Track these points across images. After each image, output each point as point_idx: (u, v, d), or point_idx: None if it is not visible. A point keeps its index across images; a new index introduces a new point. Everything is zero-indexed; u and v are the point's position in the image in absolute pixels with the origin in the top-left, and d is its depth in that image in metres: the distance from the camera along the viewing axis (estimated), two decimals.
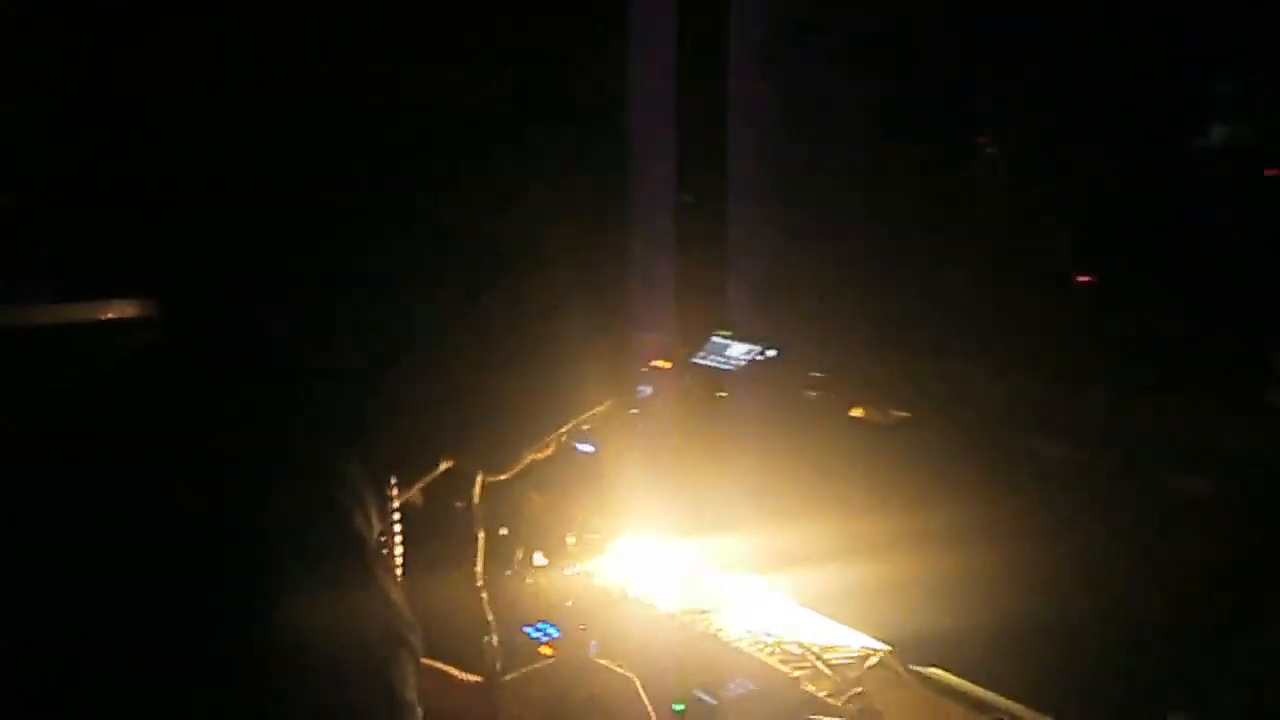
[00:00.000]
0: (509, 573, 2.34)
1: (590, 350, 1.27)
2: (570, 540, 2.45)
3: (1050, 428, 2.35)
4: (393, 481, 1.22)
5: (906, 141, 2.82)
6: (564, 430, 1.33)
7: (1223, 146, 2.86)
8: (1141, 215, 2.58)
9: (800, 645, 2.12)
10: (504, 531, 2.51)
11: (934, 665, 1.95)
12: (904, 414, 2.47)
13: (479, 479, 1.42)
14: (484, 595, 1.52)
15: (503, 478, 1.36)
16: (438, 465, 1.30)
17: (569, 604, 2.29)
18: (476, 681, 1.61)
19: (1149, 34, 2.67)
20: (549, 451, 1.36)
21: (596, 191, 1.33)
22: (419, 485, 1.29)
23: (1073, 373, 2.36)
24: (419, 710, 1.09)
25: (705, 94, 2.45)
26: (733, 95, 2.45)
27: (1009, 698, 1.81)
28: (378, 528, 1.19)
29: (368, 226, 1.21)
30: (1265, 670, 1.80)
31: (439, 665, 1.58)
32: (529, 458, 1.33)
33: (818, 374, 2.62)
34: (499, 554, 2.39)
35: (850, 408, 2.54)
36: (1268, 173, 2.65)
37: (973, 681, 1.88)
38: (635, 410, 2.53)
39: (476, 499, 1.44)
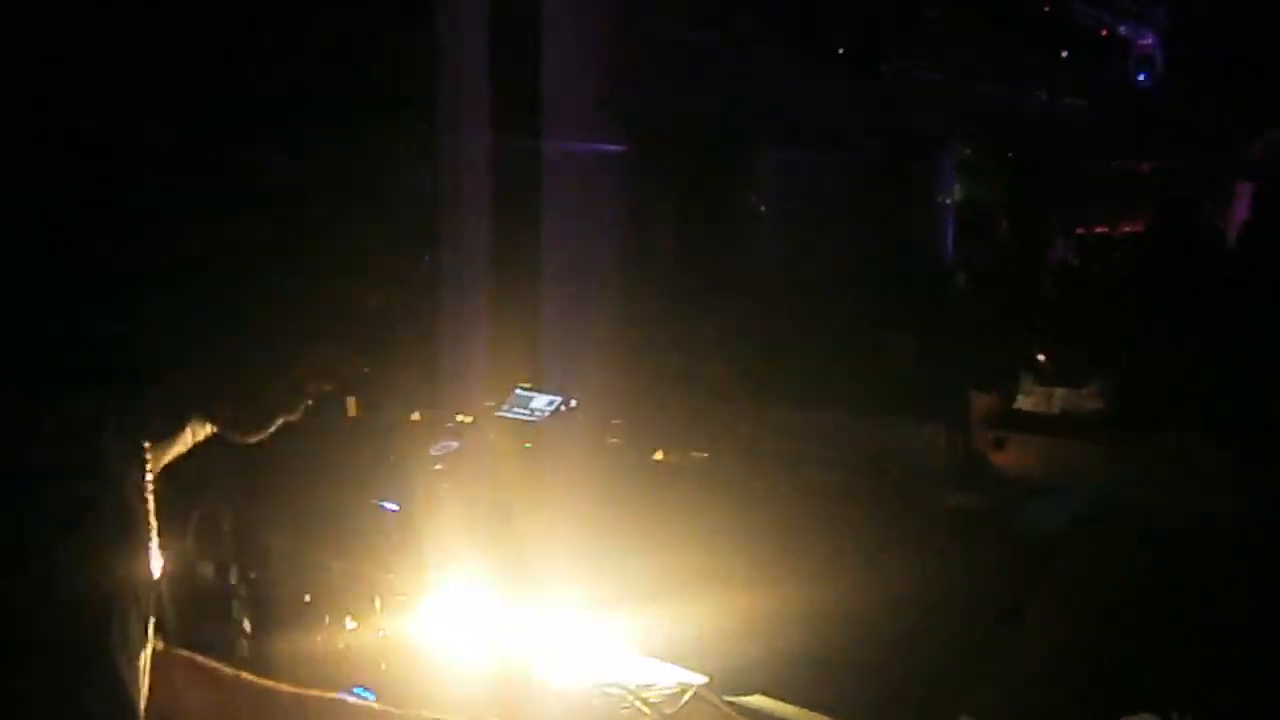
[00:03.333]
0: (318, 639, 2.27)
1: (343, 309, 1.28)
2: (377, 602, 2.41)
3: (832, 458, 2.51)
4: (145, 446, 1.21)
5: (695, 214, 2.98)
6: (314, 389, 1.33)
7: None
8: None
9: (618, 685, 2.16)
10: (308, 598, 2.44)
11: (751, 693, 2.03)
12: (702, 454, 2.57)
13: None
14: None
15: (254, 439, 1.34)
16: (185, 427, 1.29)
17: (383, 667, 2.24)
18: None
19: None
20: (298, 415, 1.35)
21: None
22: (174, 451, 1.27)
23: (850, 404, 2.55)
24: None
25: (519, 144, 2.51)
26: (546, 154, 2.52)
27: (824, 715, 1.91)
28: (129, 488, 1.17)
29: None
30: (1034, 670, 1.98)
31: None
32: (280, 418, 1.32)
33: (618, 421, 2.70)
34: (306, 621, 2.32)
35: (652, 451, 2.62)
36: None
37: (790, 704, 1.97)
38: (440, 466, 2.52)
39: None
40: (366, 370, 1.47)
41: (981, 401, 2.76)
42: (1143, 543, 1.88)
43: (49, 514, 1.06)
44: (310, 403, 1.33)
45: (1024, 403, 3.86)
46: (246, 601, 2.47)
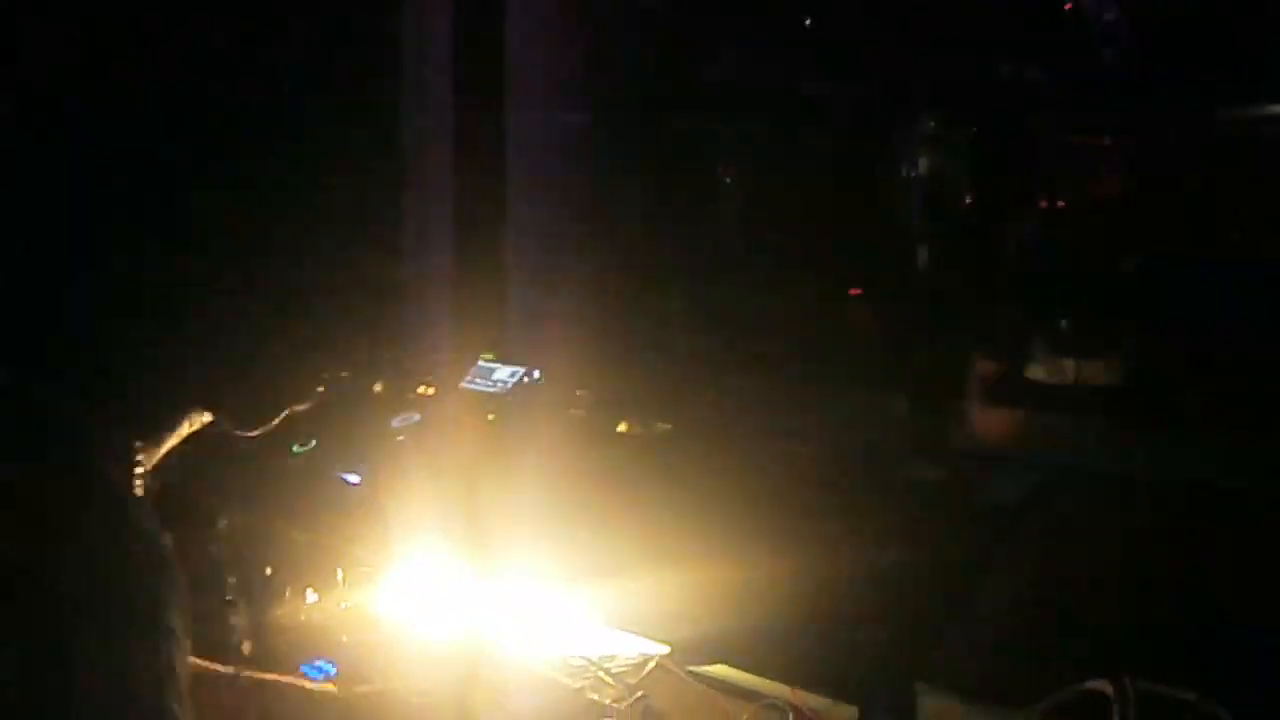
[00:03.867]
0: (279, 611, 2.26)
1: (353, 302, 1.26)
2: (340, 574, 2.40)
3: (796, 428, 2.53)
4: (137, 445, 1.19)
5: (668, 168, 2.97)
6: (325, 381, 1.31)
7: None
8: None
9: (581, 656, 2.17)
10: (269, 571, 2.43)
11: (713, 663, 2.05)
12: (666, 426, 2.58)
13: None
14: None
15: (257, 433, 1.31)
16: (183, 421, 1.25)
17: (344, 639, 2.24)
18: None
19: None
20: (308, 404, 1.33)
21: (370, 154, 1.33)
22: (169, 443, 1.24)
23: (820, 376, 2.56)
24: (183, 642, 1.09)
25: (484, 117, 2.49)
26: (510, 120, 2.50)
27: (785, 683, 1.93)
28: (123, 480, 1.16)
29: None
30: (990, 637, 2.01)
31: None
32: (288, 409, 1.30)
33: (581, 392, 2.69)
34: (268, 593, 2.31)
35: (615, 424, 2.62)
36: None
37: (749, 673, 2.00)
38: (403, 438, 2.51)
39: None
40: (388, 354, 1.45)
41: (982, 369, 2.74)
42: (1110, 511, 1.91)
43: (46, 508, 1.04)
44: (323, 390, 1.32)
45: (1036, 373, 3.76)
46: (205, 577, 2.45)
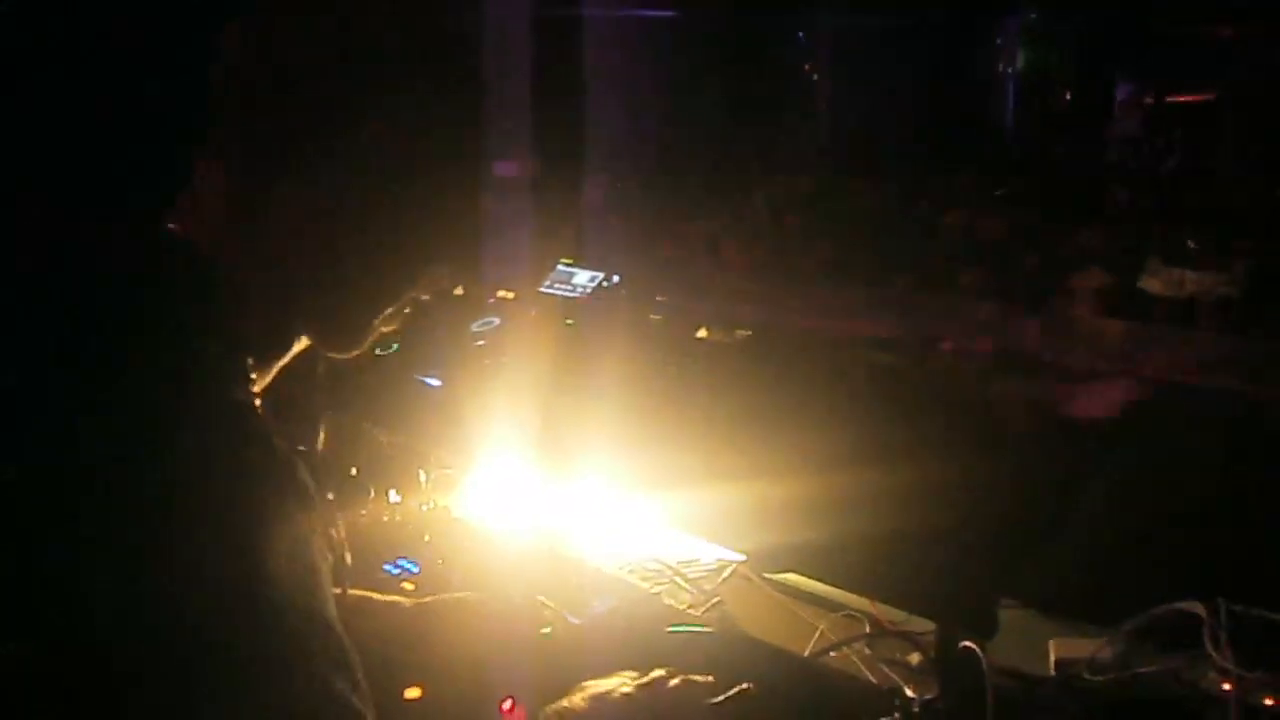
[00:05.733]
0: (363, 512, 2.30)
1: (435, 213, 1.26)
2: (423, 476, 2.44)
3: (881, 339, 2.46)
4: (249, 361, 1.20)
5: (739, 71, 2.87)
6: (407, 299, 1.31)
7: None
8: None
9: (658, 561, 2.18)
10: (354, 471, 2.47)
11: (788, 571, 2.04)
12: (746, 332, 2.53)
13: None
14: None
15: (352, 354, 1.33)
16: (291, 344, 1.27)
17: (426, 539, 2.28)
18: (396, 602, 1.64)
19: None
20: (394, 325, 1.34)
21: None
22: (275, 369, 1.27)
23: (905, 281, 2.48)
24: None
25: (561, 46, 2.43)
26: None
27: (862, 594, 1.92)
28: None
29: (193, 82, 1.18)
30: (1079, 556, 1.96)
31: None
32: (378, 328, 1.31)
33: (661, 298, 2.66)
34: (351, 493, 2.35)
35: (695, 329, 2.59)
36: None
37: (825, 583, 1.98)
38: (483, 342, 2.52)
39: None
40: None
41: (1093, 278, 2.63)
42: (1204, 433, 1.83)
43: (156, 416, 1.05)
44: (408, 311, 1.32)
45: (1151, 284, 3.58)
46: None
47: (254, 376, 1.19)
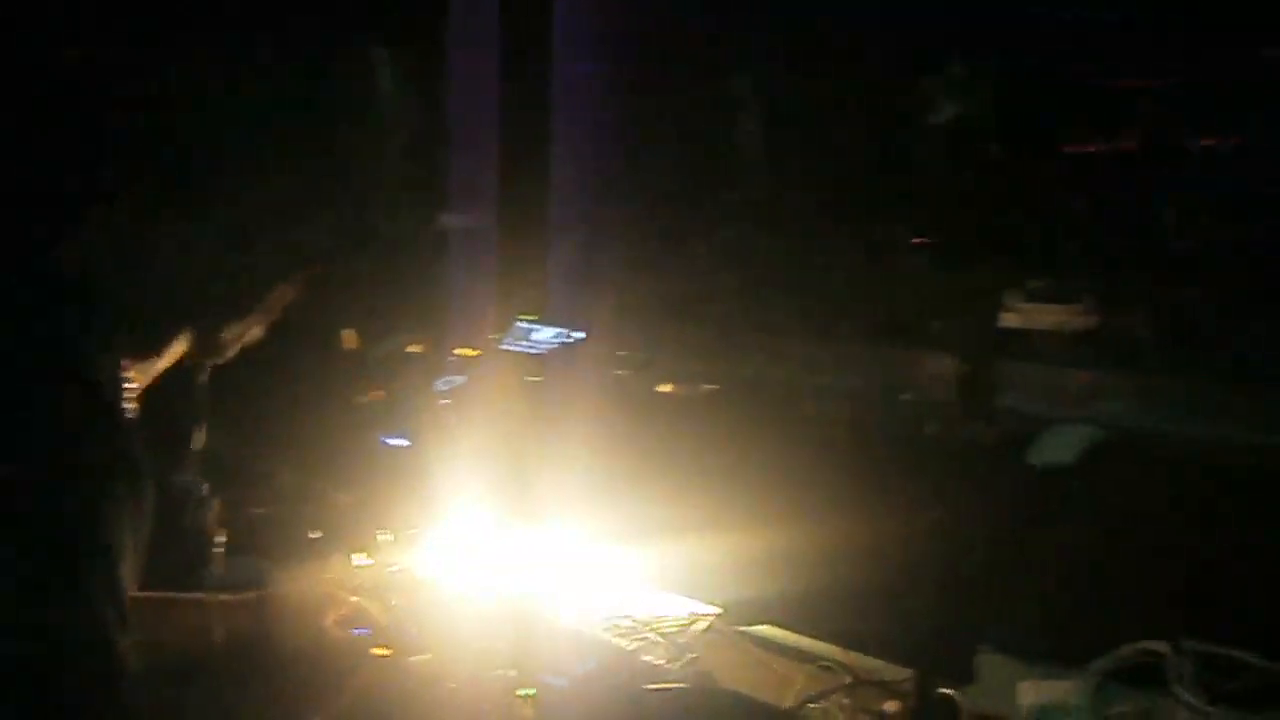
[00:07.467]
0: (329, 575, 2.27)
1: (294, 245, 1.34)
2: (387, 537, 2.41)
3: (841, 389, 2.50)
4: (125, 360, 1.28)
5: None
6: (268, 313, 1.41)
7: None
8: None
9: (634, 619, 2.17)
10: (317, 535, 2.45)
11: (764, 624, 2.05)
12: (711, 386, 2.56)
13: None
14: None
15: (222, 361, 1.44)
16: (163, 352, 1.35)
17: (394, 603, 2.25)
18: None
19: None
20: (259, 336, 1.44)
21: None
22: (153, 372, 1.35)
23: (859, 332, 2.53)
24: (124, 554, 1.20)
25: (528, 94, 2.47)
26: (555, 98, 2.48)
27: (839, 645, 1.94)
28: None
29: None
30: (1051, 597, 2.00)
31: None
32: (242, 334, 1.40)
33: (624, 353, 2.68)
34: (316, 557, 2.32)
35: (658, 384, 2.61)
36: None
37: (802, 635, 2.00)
38: (447, 400, 2.51)
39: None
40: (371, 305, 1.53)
41: (1038, 324, 2.69)
42: (1159, 471, 1.89)
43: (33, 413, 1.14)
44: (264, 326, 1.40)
45: (1012, 320, 3.70)
46: (252, 538, 2.47)
47: (130, 376, 1.28)
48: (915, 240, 2.79)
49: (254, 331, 1.43)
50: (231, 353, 1.43)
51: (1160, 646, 1.82)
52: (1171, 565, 1.88)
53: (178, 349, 1.38)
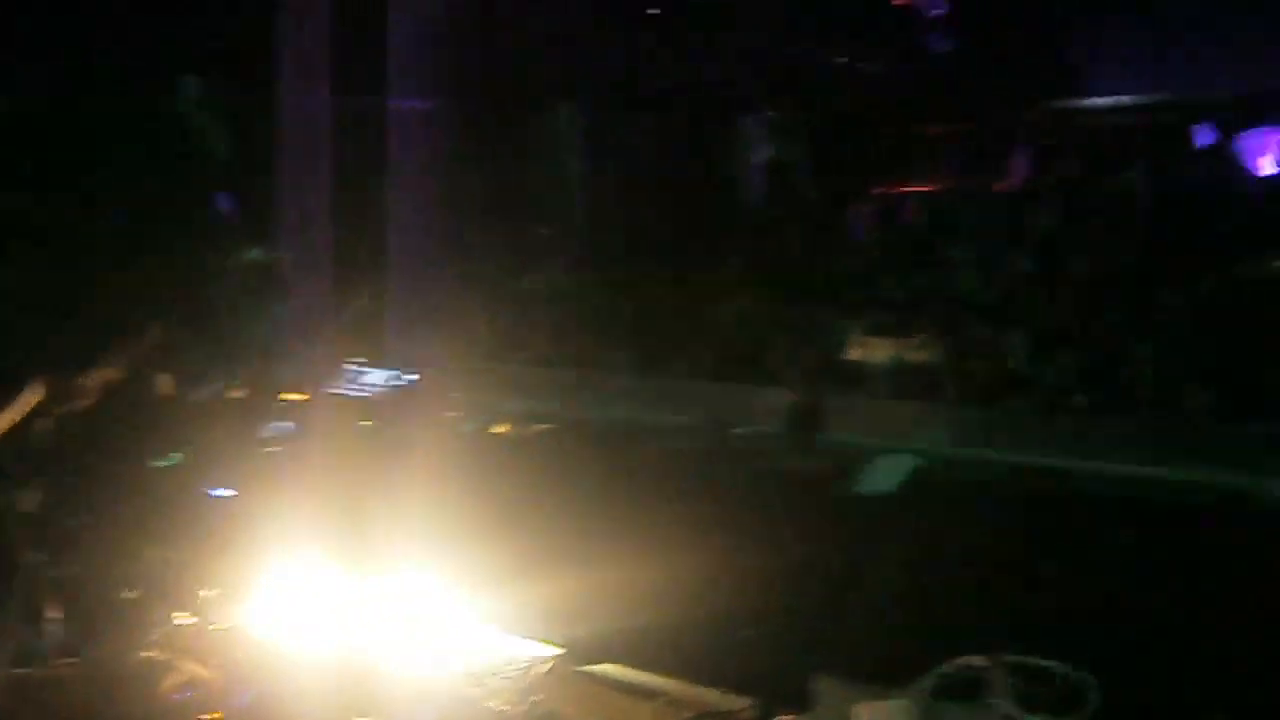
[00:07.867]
0: (152, 638, 2.15)
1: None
2: (211, 594, 2.30)
3: (673, 425, 2.56)
4: None
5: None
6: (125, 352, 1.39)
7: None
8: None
9: (476, 663, 2.14)
10: (133, 595, 2.32)
11: (603, 663, 2.06)
12: (543, 426, 2.57)
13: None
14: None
15: (76, 404, 1.40)
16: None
17: (221, 663, 2.15)
18: None
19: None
20: (119, 374, 1.42)
21: None
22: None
23: (688, 368, 2.60)
24: None
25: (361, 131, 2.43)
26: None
27: (680, 679, 1.96)
28: None
29: None
30: (880, 619, 2.09)
31: None
32: (101, 379, 1.38)
33: (456, 394, 2.65)
34: (132, 619, 2.20)
35: (492, 424, 2.60)
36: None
37: (640, 671, 2.01)
38: (275, 448, 2.42)
39: None
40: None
41: (810, 357, 2.82)
42: (978, 500, 2.01)
43: None
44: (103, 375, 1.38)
45: (853, 355, 3.88)
46: (58, 598, 2.31)
47: None
48: (737, 278, 2.90)
49: (110, 374, 1.39)
50: (87, 400, 1.37)
51: (979, 661, 1.92)
52: (990, 582, 1.99)
53: (30, 398, 1.32)
